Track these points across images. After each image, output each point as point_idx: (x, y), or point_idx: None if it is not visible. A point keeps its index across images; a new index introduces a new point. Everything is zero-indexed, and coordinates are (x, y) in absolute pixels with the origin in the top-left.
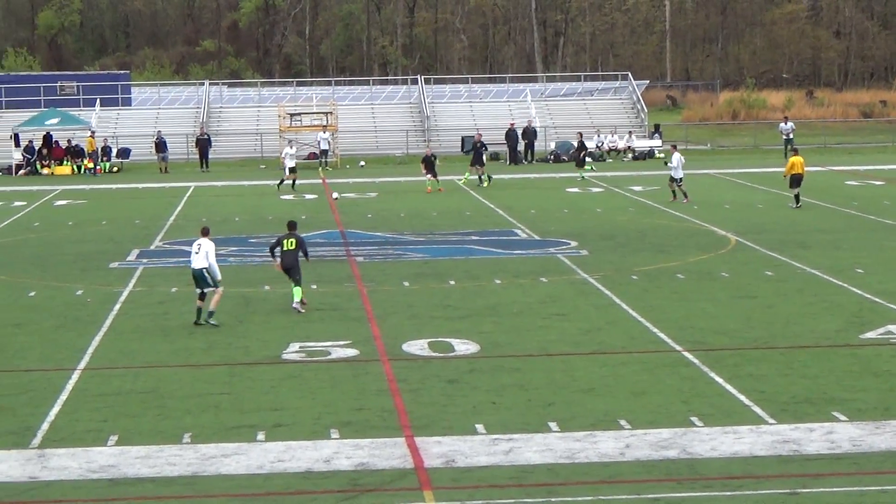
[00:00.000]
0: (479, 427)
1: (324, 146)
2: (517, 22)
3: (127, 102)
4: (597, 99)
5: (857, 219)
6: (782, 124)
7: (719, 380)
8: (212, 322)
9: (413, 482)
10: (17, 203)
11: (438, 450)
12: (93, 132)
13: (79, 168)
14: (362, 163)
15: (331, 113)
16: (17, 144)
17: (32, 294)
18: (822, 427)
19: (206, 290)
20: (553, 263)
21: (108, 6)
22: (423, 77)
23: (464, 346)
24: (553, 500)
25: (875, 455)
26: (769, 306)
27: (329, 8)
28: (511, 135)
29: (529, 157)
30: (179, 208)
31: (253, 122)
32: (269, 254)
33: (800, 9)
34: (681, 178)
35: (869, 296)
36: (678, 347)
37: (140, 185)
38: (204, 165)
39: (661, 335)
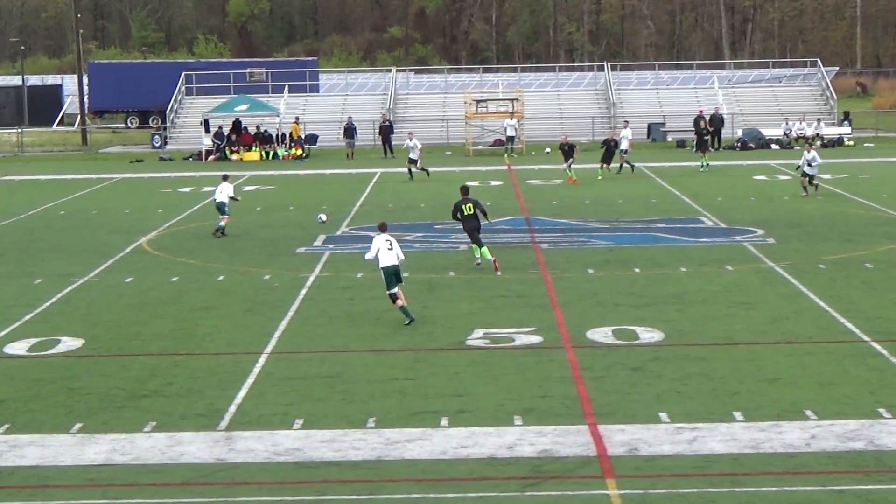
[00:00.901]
0: (663, 415)
1: (510, 133)
2: (704, 8)
3: (315, 89)
4: (785, 86)
5: None
6: None
7: None
8: (412, 317)
9: (596, 470)
10: (206, 188)
11: (621, 438)
12: (297, 118)
13: (267, 154)
14: (547, 149)
15: (517, 99)
16: (207, 130)
17: (221, 278)
18: None
19: (395, 290)
20: (739, 251)
21: None
22: (609, 63)
23: (648, 334)
24: (737, 490)
25: None
26: None
27: None
28: (699, 122)
29: (716, 145)
30: (366, 194)
31: (439, 108)
32: (453, 219)
33: None
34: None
35: None
36: (866, 338)
37: (327, 171)
38: (387, 152)
39: (849, 325)
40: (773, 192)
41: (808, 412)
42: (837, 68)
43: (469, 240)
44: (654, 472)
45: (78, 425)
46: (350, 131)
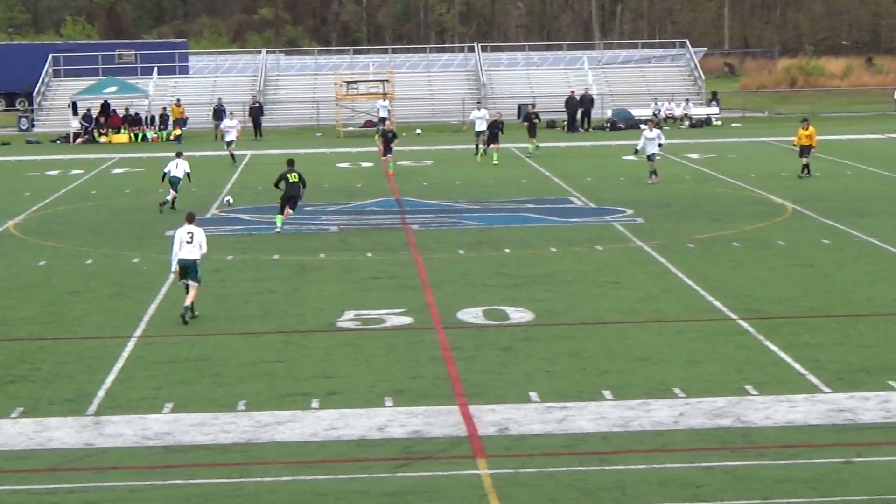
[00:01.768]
0: (533, 395)
1: (383, 114)
2: None
3: (184, 71)
4: (654, 66)
5: None
6: None
7: (774, 348)
8: (194, 314)
9: (467, 450)
10: (74, 171)
11: (492, 418)
12: (178, 100)
13: (136, 136)
14: (418, 131)
15: (387, 81)
16: (75, 113)
17: (89, 262)
18: (878, 396)
19: (190, 283)
20: (608, 231)
21: None
22: (479, 45)
23: (518, 315)
24: (606, 468)
25: None
26: (826, 275)
27: None
28: (571, 102)
29: (586, 126)
30: (236, 176)
31: (310, 90)
32: (275, 187)
33: None
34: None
35: None
36: (733, 316)
37: (197, 154)
38: (257, 134)
39: (717, 304)
40: (641, 173)
41: (677, 390)
42: (706, 49)
43: (281, 207)
44: (524, 451)
45: None
46: (219, 113)
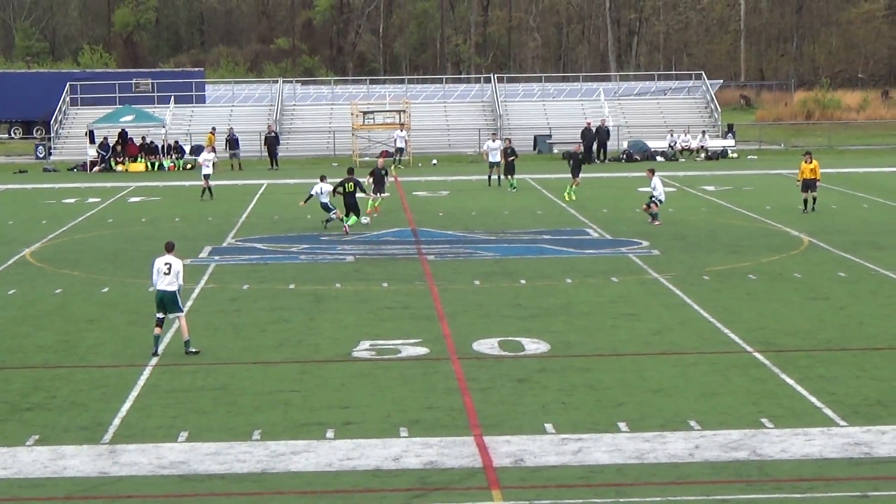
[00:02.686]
0: (549, 426)
1: (400, 144)
2: (591, 21)
3: (201, 100)
4: (670, 98)
5: None
6: None
7: (790, 381)
8: (193, 350)
9: (482, 481)
10: (91, 199)
11: (507, 449)
12: (213, 128)
13: (153, 165)
14: (434, 161)
15: (404, 111)
16: (92, 141)
17: (106, 290)
18: (895, 430)
19: (168, 316)
20: (624, 263)
21: (183, 4)
22: (496, 75)
23: (534, 346)
24: (622, 500)
25: None
26: (841, 308)
27: (403, 6)
28: (587, 134)
29: (602, 157)
30: (252, 205)
31: (326, 119)
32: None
33: (877, 8)
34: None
35: None
36: (749, 348)
37: (213, 183)
38: (273, 164)
39: (732, 336)
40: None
41: (692, 422)
42: (722, 81)
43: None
44: (539, 482)
45: None
46: (233, 143)
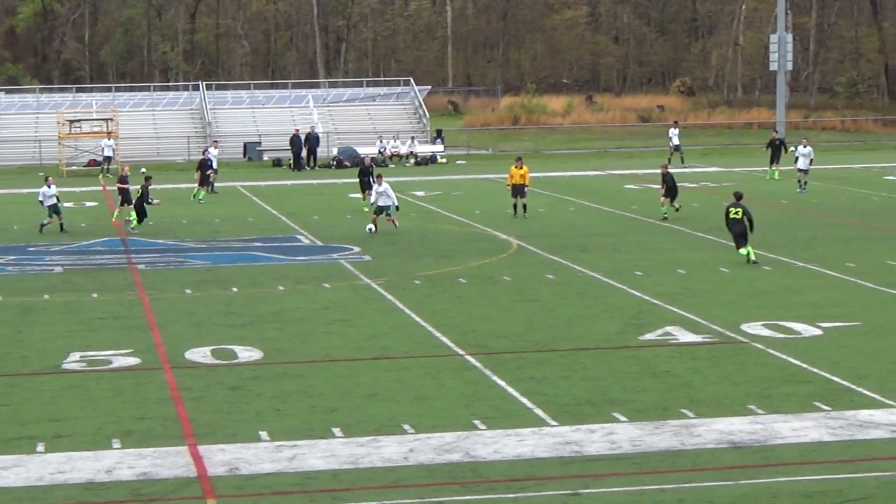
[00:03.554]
0: (263, 434)
1: (108, 153)
2: (299, 27)
3: None
4: (379, 104)
5: (635, 222)
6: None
7: (501, 383)
8: None
9: (197, 491)
10: None
11: (222, 458)
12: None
13: None
14: (143, 169)
15: (111, 119)
16: None
17: None
18: (603, 428)
19: None
20: (336, 269)
21: None
22: (204, 83)
23: (247, 353)
24: None
25: (654, 455)
26: (550, 309)
27: (109, 13)
28: (295, 141)
29: (312, 163)
30: None
31: (31, 128)
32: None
33: (579, 15)
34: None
35: (647, 298)
36: (461, 351)
37: None
38: None
39: (444, 339)
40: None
41: (406, 426)
42: (430, 87)
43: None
44: (255, 490)
45: None
46: None
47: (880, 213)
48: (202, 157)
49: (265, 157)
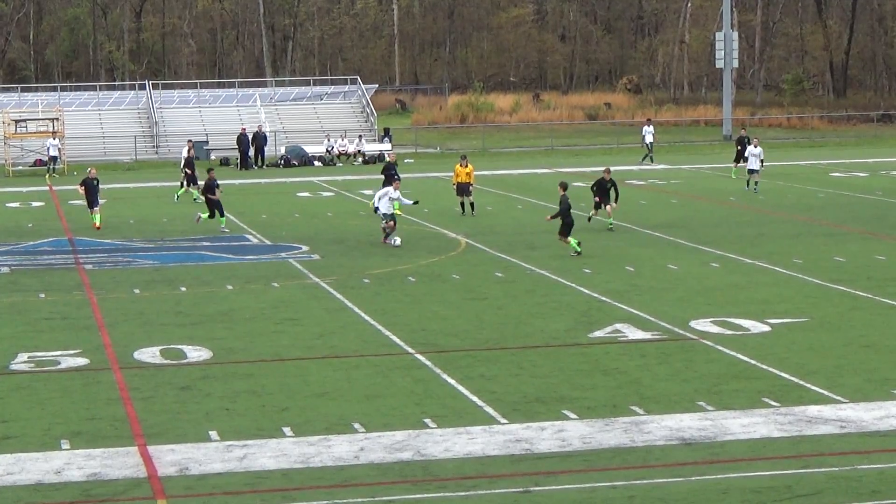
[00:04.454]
0: (213, 434)
1: (53, 153)
2: (245, 26)
3: None
4: (326, 103)
5: (582, 220)
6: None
7: (452, 381)
8: None
9: (147, 491)
10: None
11: (172, 458)
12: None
13: None
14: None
15: (57, 119)
16: None
17: None
18: (553, 425)
19: None
20: (285, 268)
21: None
22: (150, 82)
23: (196, 353)
24: None
25: (604, 452)
26: (499, 307)
27: (54, 12)
28: (242, 140)
29: (259, 162)
30: None
31: None
32: None
33: (525, 13)
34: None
35: (596, 295)
36: (410, 350)
37: None
38: None
39: (394, 338)
40: (316, 209)
41: (357, 425)
42: (377, 86)
43: None
44: (205, 490)
45: None
46: None
47: (826, 209)
48: (187, 156)
49: (212, 157)
